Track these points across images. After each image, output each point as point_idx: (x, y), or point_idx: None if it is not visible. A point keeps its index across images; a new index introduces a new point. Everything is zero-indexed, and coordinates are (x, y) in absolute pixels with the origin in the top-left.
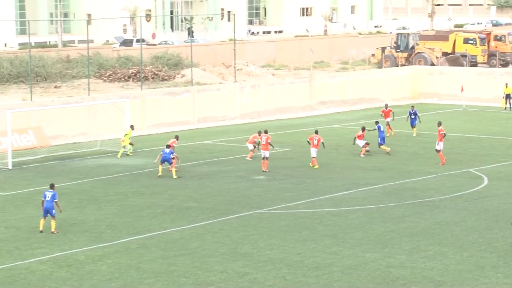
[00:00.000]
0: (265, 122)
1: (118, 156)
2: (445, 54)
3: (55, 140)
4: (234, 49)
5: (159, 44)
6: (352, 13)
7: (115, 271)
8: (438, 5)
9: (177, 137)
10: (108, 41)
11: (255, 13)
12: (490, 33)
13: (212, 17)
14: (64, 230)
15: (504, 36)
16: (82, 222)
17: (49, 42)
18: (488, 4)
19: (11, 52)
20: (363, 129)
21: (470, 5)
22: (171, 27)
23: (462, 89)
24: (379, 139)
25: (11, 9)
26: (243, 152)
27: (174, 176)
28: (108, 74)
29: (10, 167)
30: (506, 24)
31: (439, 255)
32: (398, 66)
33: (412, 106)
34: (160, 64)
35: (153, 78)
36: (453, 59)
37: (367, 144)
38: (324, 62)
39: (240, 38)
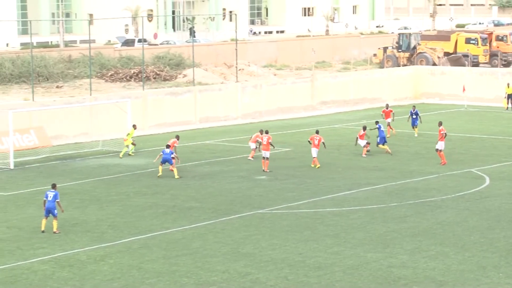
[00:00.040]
0: (267, 122)
1: (120, 155)
2: (447, 54)
3: (57, 140)
4: (236, 49)
5: (161, 44)
6: (354, 13)
7: (117, 271)
8: (440, 5)
9: (177, 137)
10: (110, 41)
11: (256, 13)
12: (492, 33)
13: (214, 17)
14: (66, 230)
15: (506, 36)
16: (84, 222)
17: (51, 42)
18: (490, 4)
19: (13, 52)
20: (364, 128)
21: (472, 5)
22: (173, 27)
23: (463, 89)
24: (379, 138)
25: (13, 9)
26: (245, 152)
27: (176, 176)
28: (110, 74)
29: (12, 167)
30: (508, 24)
31: (440, 255)
32: (400, 66)
33: (414, 106)
34: (162, 64)
35: (155, 78)
36: (455, 59)
37: (368, 144)
38: (325, 62)
39: (242, 38)
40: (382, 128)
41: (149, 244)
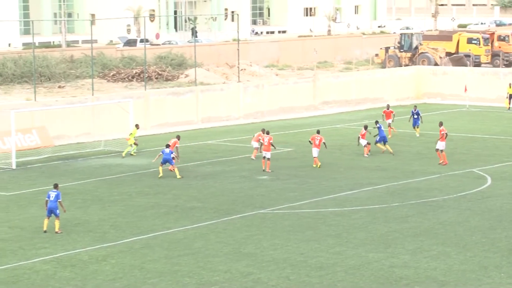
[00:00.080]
0: (269, 122)
1: (123, 154)
2: (448, 54)
3: (59, 140)
4: (238, 49)
5: (162, 44)
6: (355, 13)
7: (118, 271)
8: (442, 5)
9: (178, 137)
10: (112, 41)
11: (258, 13)
12: (493, 33)
13: (215, 17)
14: (68, 230)
15: (508, 36)
16: (86, 222)
17: (53, 42)
18: (491, 4)
19: (15, 52)
20: (366, 127)
21: (473, 5)
22: (175, 27)
23: (465, 89)
24: (378, 137)
25: (15, 9)
26: (247, 152)
27: (178, 176)
28: (112, 74)
29: (14, 167)
30: (510, 24)
31: (442, 255)
32: (401, 66)
33: (415, 106)
34: (164, 64)
35: (156, 78)
36: (457, 59)
37: (368, 144)
38: (327, 62)
39: (243, 38)
40: (382, 128)
41: (151, 244)
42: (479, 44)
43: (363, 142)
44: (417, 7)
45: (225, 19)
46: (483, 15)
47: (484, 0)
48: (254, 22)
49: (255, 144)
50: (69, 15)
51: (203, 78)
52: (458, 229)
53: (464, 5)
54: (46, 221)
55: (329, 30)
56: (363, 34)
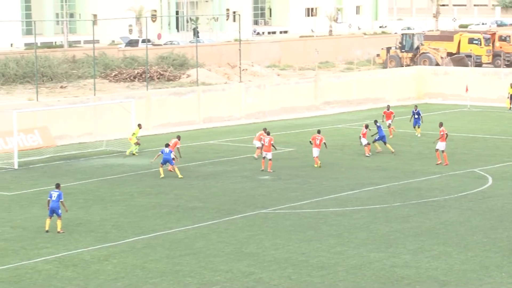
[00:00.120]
0: (270, 122)
1: (127, 152)
2: (450, 54)
3: (61, 140)
4: (240, 49)
5: (164, 44)
6: (357, 13)
7: (120, 271)
8: (443, 5)
9: (179, 138)
10: (113, 41)
11: (260, 14)
12: (494, 34)
13: (217, 18)
14: (69, 230)
15: (509, 36)
16: (87, 222)
17: (55, 42)
18: (493, 5)
19: (17, 52)
20: (367, 126)
21: (475, 5)
22: (177, 27)
23: (466, 89)
24: (377, 136)
25: (17, 10)
26: (249, 152)
27: (180, 175)
28: (113, 74)
29: (16, 167)
30: (511, 25)
31: (443, 255)
32: (403, 66)
33: (415, 106)
34: (166, 64)
35: (158, 78)
36: (458, 59)
37: (368, 144)
38: (329, 62)
39: (245, 38)
40: (382, 128)
41: (153, 244)
42: (480, 44)
43: (364, 141)
44: (418, 7)
45: (227, 19)
46: (484, 15)
47: (485, 0)
48: (256, 23)
49: (257, 144)
50: (71, 15)
51: (205, 78)
52: (459, 229)
53: (465, 5)
54: (48, 221)
55: (330, 31)
56: (365, 34)
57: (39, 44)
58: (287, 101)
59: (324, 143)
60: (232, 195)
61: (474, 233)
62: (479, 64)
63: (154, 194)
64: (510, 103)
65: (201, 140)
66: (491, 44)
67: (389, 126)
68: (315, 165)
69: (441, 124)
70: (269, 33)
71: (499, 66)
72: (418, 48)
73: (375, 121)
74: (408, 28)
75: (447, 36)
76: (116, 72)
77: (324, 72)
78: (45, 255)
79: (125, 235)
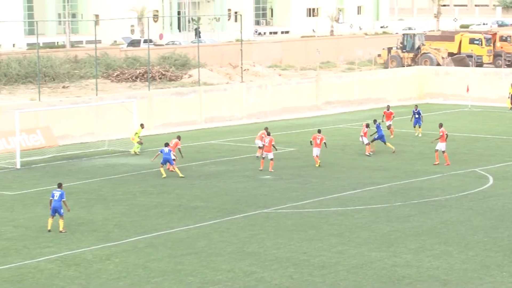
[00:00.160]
0: (272, 122)
1: (132, 152)
2: (451, 54)
3: (63, 140)
4: (241, 50)
5: (166, 44)
6: (358, 13)
7: (122, 270)
8: (444, 5)
9: (179, 138)
10: (115, 41)
11: (261, 14)
12: (495, 34)
13: (219, 18)
14: (72, 229)
15: (510, 36)
16: (90, 221)
17: (57, 42)
18: (494, 5)
19: (19, 52)
20: (367, 125)
21: (476, 5)
22: (178, 27)
23: (467, 89)
24: (376, 135)
25: (19, 10)
26: (250, 151)
27: (181, 175)
28: (115, 74)
29: (18, 166)
30: None
31: (444, 254)
32: (404, 66)
33: (416, 105)
34: (168, 64)
35: (160, 78)
36: (459, 60)
37: (368, 144)
38: (330, 62)
39: (247, 38)
40: (381, 127)
41: (155, 243)
42: (481, 44)
43: (365, 140)
44: (419, 7)
45: (228, 19)
46: (485, 15)
47: (486, 0)
48: (257, 23)
49: (259, 143)
50: (73, 15)
51: (207, 78)
52: (460, 228)
53: (466, 5)
54: (50, 221)
55: (331, 31)
56: (366, 34)
57: (41, 44)
58: (289, 101)
59: (324, 143)
60: (234, 194)
61: (475, 232)
62: (480, 64)
63: (156, 193)
64: (511, 103)
65: (202, 140)
66: (492, 44)
67: (389, 127)
68: (317, 165)
69: (440, 125)
70: (270, 33)
71: (500, 66)
72: (419, 48)
73: (375, 121)
74: (409, 28)
75: (448, 36)
76: (118, 72)
77: (326, 72)
78: (48, 254)
79: (127, 234)
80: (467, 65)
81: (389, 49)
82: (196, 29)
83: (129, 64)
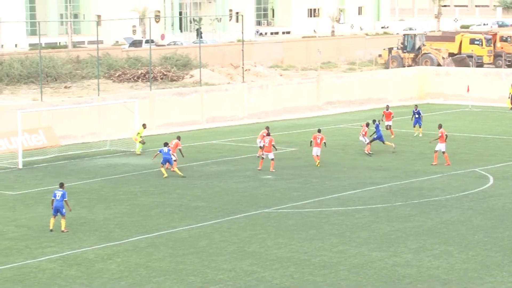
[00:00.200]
0: (273, 122)
1: (137, 152)
2: (451, 54)
3: (65, 140)
4: (242, 50)
5: (168, 45)
6: (359, 14)
7: (124, 270)
8: (445, 6)
9: (179, 138)
10: (117, 42)
11: (263, 14)
12: (496, 34)
13: (220, 18)
14: (73, 229)
15: (510, 37)
16: (91, 221)
17: (59, 43)
18: (494, 5)
19: (21, 52)
20: (367, 125)
21: (476, 6)
22: (180, 28)
23: (468, 90)
24: (375, 135)
25: (22, 10)
26: (251, 151)
27: (181, 174)
28: (117, 74)
29: (20, 166)
30: None
31: (445, 254)
32: (404, 66)
33: (416, 105)
34: (169, 64)
35: (162, 78)
36: (459, 60)
37: (369, 143)
38: (331, 62)
39: (248, 39)
40: (380, 127)
41: (156, 243)
42: (482, 44)
43: (364, 139)
44: (420, 8)
45: (230, 20)
46: (485, 16)
47: (486, 1)
48: (259, 23)
49: (261, 143)
50: (75, 16)
51: (208, 79)
52: (460, 228)
53: (466, 6)
54: (52, 220)
55: (332, 31)
56: (367, 35)
57: (43, 45)
58: (290, 101)
59: (324, 143)
60: (235, 194)
61: (475, 232)
62: (480, 65)
63: (157, 193)
64: (511, 103)
65: (204, 140)
66: (492, 45)
67: (388, 128)
68: (317, 165)
69: (440, 126)
70: (271, 33)
71: (500, 67)
72: (420, 48)
73: (374, 121)
74: (410, 29)
75: (448, 37)
76: (120, 73)
77: (326, 73)
78: (49, 254)
79: (129, 234)
80: (468, 66)
81: (390, 50)
82: (197, 30)
83: (131, 65)
